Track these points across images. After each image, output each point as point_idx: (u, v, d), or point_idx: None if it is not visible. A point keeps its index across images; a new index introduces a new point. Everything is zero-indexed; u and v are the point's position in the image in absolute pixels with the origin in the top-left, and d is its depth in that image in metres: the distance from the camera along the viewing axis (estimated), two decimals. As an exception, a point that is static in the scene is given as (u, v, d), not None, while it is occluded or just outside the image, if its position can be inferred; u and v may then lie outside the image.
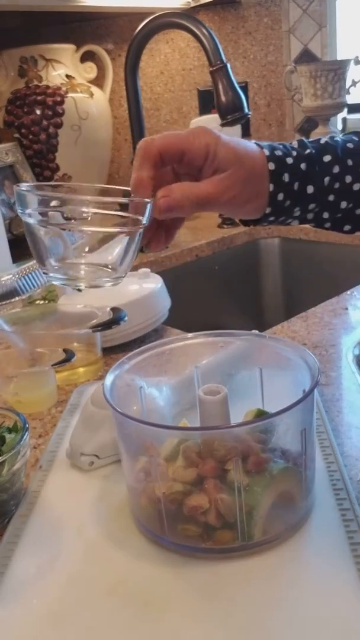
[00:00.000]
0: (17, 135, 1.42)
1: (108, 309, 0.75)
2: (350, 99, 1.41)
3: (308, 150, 0.55)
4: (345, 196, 0.56)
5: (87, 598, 0.41)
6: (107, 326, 0.72)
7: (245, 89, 1.55)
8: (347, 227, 0.60)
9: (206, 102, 1.58)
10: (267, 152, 0.53)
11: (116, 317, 0.73)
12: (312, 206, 0.55)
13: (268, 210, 0.54)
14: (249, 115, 1.16)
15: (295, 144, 0.56)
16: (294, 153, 0.54)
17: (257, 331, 0.58)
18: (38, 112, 1.38)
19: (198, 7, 1.48)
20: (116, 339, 0.80)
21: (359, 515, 0.45)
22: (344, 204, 0.56)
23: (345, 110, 1.44)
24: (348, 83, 1.38)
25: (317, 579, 0.40)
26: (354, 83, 1.40)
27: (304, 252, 1.38)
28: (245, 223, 0.59)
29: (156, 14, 1.12)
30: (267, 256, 1.45)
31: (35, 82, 1.40)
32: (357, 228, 0.60)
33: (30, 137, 1.40)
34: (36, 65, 1.41)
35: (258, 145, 0.55)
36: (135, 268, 0.93)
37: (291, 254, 1.42)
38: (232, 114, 1.04)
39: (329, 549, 0.42)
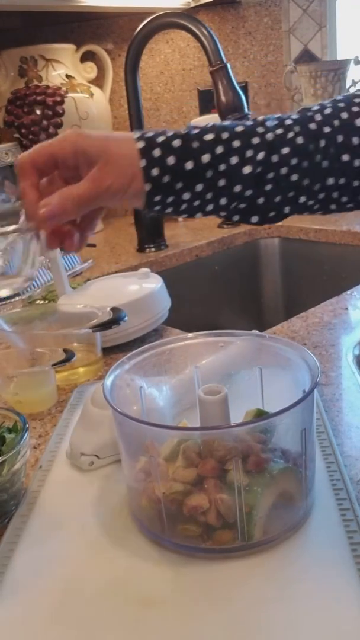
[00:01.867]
0: (17, 135, 1.42)
1: (108, 309, 0.75)
2: (350, 99, 1.41)
3: (186, 131, 0.54)
4: (236, 180, 0.54)
5: (87, 597, 0.41)
6: (107, 326, 0.72)
7: (245, 89, 1.55)
8: (254, 219, 0.59)
9: (206, 102, 1.58)
10: (136, 135, 0.54)
11: (116, 317, 0.73)
12: (200, 187, 0.54)
13: (148, 187, 0.53)
14: (249, 116, 1.16)
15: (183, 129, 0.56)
16: (169, 133, 0.54)
17: (257, 331, 0.58)
18: (38, 112, 1.38)
19: (198, 7, 1.48)
20: (116, 339, 0.80)
21: (358, 515, 0.45)
22: (237, 188, 0.55)
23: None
24: (348, 83, 1.38)
25: (317, 579, 0.40)
26: (354, 83, 1.40)
27: (304, 252, 1.38)
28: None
29: (156, 14, 1.12)
30: (267, 256, 1.45)
31: (35, 82, 1.40)
32: (265, 219, 0.59)
33: (31, 137, 1.40)
34: (36, 65, 1.41)
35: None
36: (135, 268, 0.93)
37: (291, 254, 1.42)
38: (232, 114, 1.04)
39: (328, 549, 0.42)
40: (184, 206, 0.56)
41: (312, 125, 0.55)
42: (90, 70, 1.50)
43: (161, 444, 0.46)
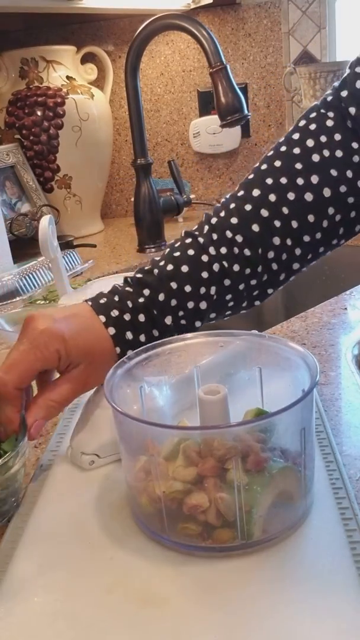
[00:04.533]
0: (18, 136, 1.42)
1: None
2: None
3: (142, 299, 0.53)
4: (196, 317, 0.55)
5: (87, 596, 0.41)
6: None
7: (244, 90, 1.55)
8: (197, 324, 0.59)
9: (206, 103, 1.58)
10: (103, 319, 0.52)
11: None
12: (167, 336, 0.55)
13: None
14: (249, 117, 1.16)
15: (130, 287, 0.54)
16: (130, 305, 0.53)
17: (256, 331, 0.59)
18: (39, 113, 1.39)
19: (198, 8, 1.48)
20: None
21: (357, 514, 0.45)
22: (198, 324, 0.55)
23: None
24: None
25: (316, 578, 0.40)
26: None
27: (303, 253, 1.38)
28: None
29: (156, 16, 1.12)
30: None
31: (36, 84, 1.41)
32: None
33: (31, 138, 1.41)
34: (37, 66, 1.42)
35: (93, 306, 0.53)
36: (135, 268, 0.93)
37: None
38: (231, 115, 1.04)
39: (328, 548, 0.43)
40: None
41: (255, 227, 0.54)
42: (90, 71, 1.51)
43: (161, 443, 0.46)
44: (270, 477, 0.43)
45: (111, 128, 1.55)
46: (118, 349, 0.52)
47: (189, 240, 0.55)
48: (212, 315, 0.56)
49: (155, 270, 0.54)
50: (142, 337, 0.52)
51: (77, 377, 0.52)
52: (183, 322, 0.54)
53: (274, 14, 1.48)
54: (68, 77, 1.44)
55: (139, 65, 1.22)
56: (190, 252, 0.54)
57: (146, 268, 0.56)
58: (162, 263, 0.55)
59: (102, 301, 0.54)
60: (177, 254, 0.54)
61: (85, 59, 1.50)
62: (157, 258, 0.57)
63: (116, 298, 0.53)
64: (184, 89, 1.61)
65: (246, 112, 1.05)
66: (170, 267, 0.54)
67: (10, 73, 1.43)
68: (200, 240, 0.54)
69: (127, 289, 0.54)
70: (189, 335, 0.56)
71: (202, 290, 0.53)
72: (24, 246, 1.26)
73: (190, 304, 0.53)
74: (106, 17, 1.52)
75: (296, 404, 0.42)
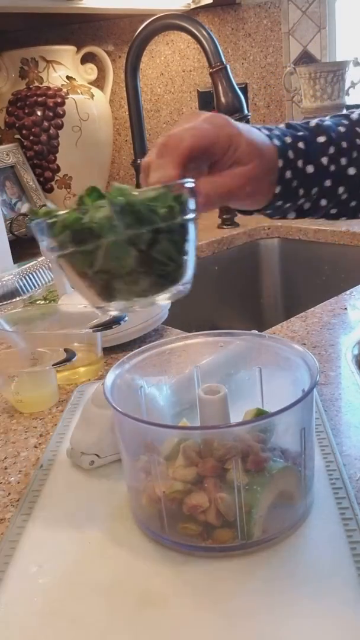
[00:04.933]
0: (18, 136, 1.42)
1: (108, 309, 0.75)
2: (350, 101, 1.42)
3: (301, 132, 0.53)
4: (342, 181, 0.54)
5: (87, 596, 0.41)
6: (108, 326, 0.72)
7: (244, 90, 1.55)
8: (333, 210, 0.58)
9: (206, 103, 1.58)
10: (266, 132, 0.52)
11: (116, 317, 0.73)
12: (314, 191, 0.53)
13: (278, 189, 0.52)
14: (249, 117, 1.16)
15: (283, 126, 0.55)
16: (290, 133, 0.53)
17: (256, 331, 0.59)
18: (39, 113, 1.39)
19: (198, 8, 1.48)
20: (116, 339, 0.80)
21: (357, 514, 0.45)
22: (341, 190, 0.54)
23: (344, 111, 1.44)
24: (347, 84, 1.38)
25: (316, 578, 0.40)
26: (353, 84, 1.40)
27: (303, 253, 1.38)
28: (247, 212, 0.57)
29: (156, 16, 1.12)
30: (266, 256, 1.46)
31: (36, 84, 1.41)
32: (342, 215, 0.59)
33: (31, 138, 1.41)
34: (37, 66, 1.42)
35: (257, 128, 0.53)
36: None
37: (291, 254, 1.42)
38: (231, 115, 1.04)
39: (328, 548, 0.43)
40: (291, 209, 0.54)
41: None
42: (90, 71, 1.51)
43: (161, 443, 0.46)
44: (270, 477, 0.43)
45: (111, 128, 1.55)
46: (281, 162, 0.51)
47: (340, 116, 0.57)
48: (341, 189, 0.54)
49: (312, 123, 0.55)
50: (300, 163, 0.52)
51: (240, 175, 0.49)
52: (328, 183, 0.53)
53: (274, 14, 1.48)
54: (68, 77, 1.44)
55: (139, 65, 1.22)
56: (345, 121, 0.55)
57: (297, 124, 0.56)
58: (315, 122, 0.55)
59: (259, 128, 0.53)
60: (331, 121, 0.56)
61: (85, 59, 1.50)
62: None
63: (274, 129, 0.53)
64: (184, 89, 1.61)
65: (246, 112, 1.06)
66: (327, 123, 0.54)
67: (10, 73, 1.43)
68: (355, 117, 0.56)
69: (282, 128, 0.54)
70: (189, 335, 0.56)
71: (354, 154, 0.53)
72: (24, 246, 1.26)
73: (343, 160, 0.53)
74: (106, 17, 1.52)
75: (296, 404, 0.42)
